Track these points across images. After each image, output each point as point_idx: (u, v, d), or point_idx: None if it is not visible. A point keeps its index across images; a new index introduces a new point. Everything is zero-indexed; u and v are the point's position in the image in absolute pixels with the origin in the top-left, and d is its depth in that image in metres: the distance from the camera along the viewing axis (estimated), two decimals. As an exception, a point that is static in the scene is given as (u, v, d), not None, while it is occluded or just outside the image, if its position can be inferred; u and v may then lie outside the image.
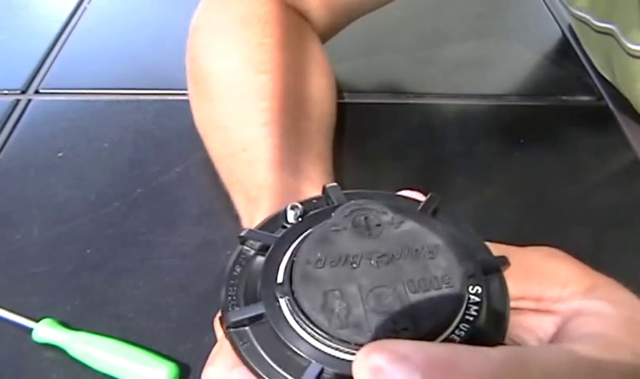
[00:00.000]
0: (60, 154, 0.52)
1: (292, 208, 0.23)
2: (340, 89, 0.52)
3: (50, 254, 0.44)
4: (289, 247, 0.21)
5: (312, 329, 0.19)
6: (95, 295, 0.42)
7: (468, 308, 0.20)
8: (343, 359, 0.18)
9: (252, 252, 0.22)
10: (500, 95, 0.60)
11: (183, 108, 0.50)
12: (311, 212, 0.23)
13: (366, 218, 0.21)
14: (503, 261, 0.22)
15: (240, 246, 0.23)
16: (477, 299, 0.20)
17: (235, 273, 0.22)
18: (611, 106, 0.58)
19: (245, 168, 0.40)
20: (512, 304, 0.22)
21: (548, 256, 0.25)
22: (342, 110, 0.51)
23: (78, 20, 0.70)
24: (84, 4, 0.73)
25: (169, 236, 0.45)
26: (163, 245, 0.45)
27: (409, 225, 0.21)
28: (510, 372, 0.17)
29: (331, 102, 0.49)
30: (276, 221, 0.23)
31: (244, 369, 0.20)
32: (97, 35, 0.68)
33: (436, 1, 0.74)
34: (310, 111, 0.45)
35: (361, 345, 0.18)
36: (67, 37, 0.67)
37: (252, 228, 0.23)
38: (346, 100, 0.57)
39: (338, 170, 0.44)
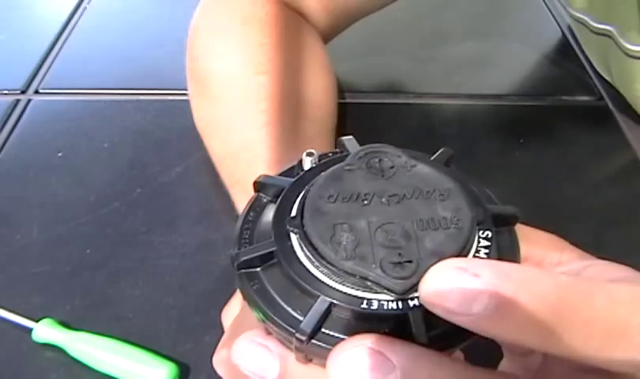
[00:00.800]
0: (60, 154, 0.52)
1: (308, 154, 0.23)
2: (340, 89, 0.52)
3: (49, 254, 0.44)
4: (303, 189, 0.21)
5: (320, 262, 0.19)
6: (94, 295, 0.42)
7: (477, 251, 0.20)
8: (351, 294, 0.18)
9: (267, 199, 0.22)
10: (500, 95, 0.60)
11: (183, 108, 0.50)
12: (327, 159, 0.23)
13: (380, 160, 0.21)
14: (514, 214, 0.22)
15: (256, 193, 0.23)
16: (487, 243, 0.20)
17: (249, 218, 0.22)
18: (610, 106, 0.58)
19: (246, 168, 0.40)
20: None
21: (542, 231, 0.27)
22: (342, 110, 0.51)
23: (78, 20, 0.70)
24: (84, 4, 0.73)
25: (169, 236, 0.45)
26: (163, 246, 0.45)
27: (422, 168, 0.21)
28: (576, 295, 0.17)
29: (332, 102, 0.49)
30: (292, 170, 0.23)
31: (245, 336, 0.20)
32: (97, 35, 0.68)
33: (436, 2, 0.74)
34: (312, 112, 0.45)
35: (365, 278, 0.18)
36: (67, 37, 0.67)
37: (268, 174, 0.23)
38: (347, 100, 0.57)
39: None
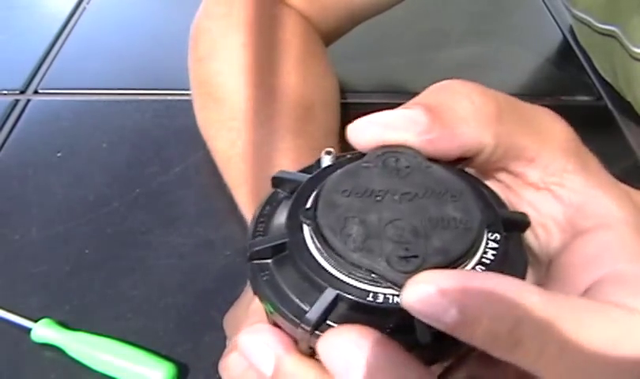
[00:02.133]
0: (59, 154, 0.52)
1: (327, 152, 0.23)
2: (341, 89, 0.52)
3: (48, 254, 0.44)
4: (319, 185, 0.21)
5: (329, 255, 0.19)
6: (93, 295, 0.42)
7: (485, 252, 0.20)
8: (358, 287, 0.18)
9: (283, 194, 0.23)
10: (500, 96, 0.60)
11: (182, 108, 0.50)
12: (345, 158, 0.23)
13: (397, 160, 0.21)
14: (525, 220, 0.22)
15: (273, 189, 0.23)
16: (495, 245, 0.20)
17: (264, 212, 0.22)
18: (610, 106, 0.58)
19: (251, 171, 0.40)
20: (518, 166, 0.22)
21: (556, 119, 0.23)
22: (343, 110, 0.51)
23: (77, 20, 0.70)
24: (84, 4, 0.73)
25: (168, 236, 0.45)
26: (162, 245, 0.45)
27: (437, 170, 0.21)
28: (535, 321, 0.17)
29: (336, 104, 0.49)
30: (310, 168, 0.24)
31: (247, 330, 0.20)
32: (96, 35, 0.68)
33: (437, 2, 0.74)
34: (317, 115, 0.45)
35: (371, 270, 0.18)
36: (66, 37, 0.67)
37: (287, 170, 0.23)
38: (347, 100, 0.57)
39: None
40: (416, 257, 0.18)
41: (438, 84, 0.22)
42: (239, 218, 0.42)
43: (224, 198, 0.43)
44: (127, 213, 0.47)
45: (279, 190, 0.23)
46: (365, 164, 0.21)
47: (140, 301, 0.41)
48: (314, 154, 0.41)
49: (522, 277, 0.20)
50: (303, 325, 0.18)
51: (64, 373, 0.38)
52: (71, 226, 0.46)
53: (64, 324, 0.39)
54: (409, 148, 0.21)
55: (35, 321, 0.39)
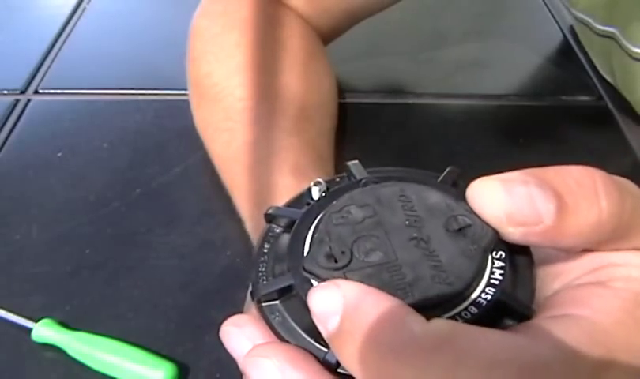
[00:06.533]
0: (59, 154, 0.52)
1: (316, 184, 0.23)
2: (340, 89, 0.52)
3: (49, 254, 0.44)
4: (314, 220, 0.21)
5: None
6: (94, 295, 0.42)
7: (493, 272, 0.19)
8: None
9: (279, 229, 0.23)
10: (500, 95, 0.60)
11: (183, 108, 0.50)
12: (335, 188, 0.23)
13: (470, 226, 0.20)
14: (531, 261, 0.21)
15: (268, 225, 0.23)
16: (501, 263, 0.19)
17: (264, 250, 0.22)
18: (610, 106, 0.58)
19: (247, 172, 0.40)
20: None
21: None
22: (342, 111, 0.51)
23: (78, 21, 0.70)
24: (84, 4, 0.73)
25: (168, 236, 0.45)
26: (163, 246, 0.45)
27: (478, 258, 0.19)
28: (433, 347, 0.16)
29: (333, 104, 0.49)
30: (301, 199, 0.24)
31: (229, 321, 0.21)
32: (97, 36, 0.68)
33: (436, 2, 0.74)
34: (313, 114, 0.45)
35: (302, 252, 0.20)
36: (66, 37, 0.67)
37: (278, 206, 0.23)
38: (346, 100, 0.57)
39: (339, 171, 0.44)
40: (338, 269, 0.19)
41: (582, 172, 0.20)
42: (239, 218, 0.42)
43: (223, 198, 0.43)
44: (128, 213, 0.47)
45: (274, 226, 0.23)
46: (448, 199, 0.21)
47: (140, 301, 0.41)
48: (308, 153, 0.41)
49: (533, 288, 0.20)
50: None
51: (65, 373, 0.38)
52: (72, 226, 0.46)
53: (65, 324, 0.39)
54: (496, 232, 0.20)
55: (36, 321, 0.39)
